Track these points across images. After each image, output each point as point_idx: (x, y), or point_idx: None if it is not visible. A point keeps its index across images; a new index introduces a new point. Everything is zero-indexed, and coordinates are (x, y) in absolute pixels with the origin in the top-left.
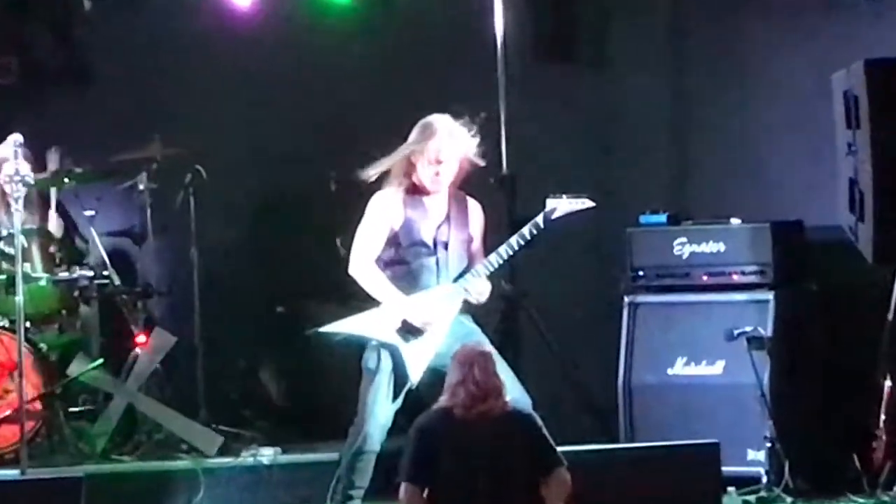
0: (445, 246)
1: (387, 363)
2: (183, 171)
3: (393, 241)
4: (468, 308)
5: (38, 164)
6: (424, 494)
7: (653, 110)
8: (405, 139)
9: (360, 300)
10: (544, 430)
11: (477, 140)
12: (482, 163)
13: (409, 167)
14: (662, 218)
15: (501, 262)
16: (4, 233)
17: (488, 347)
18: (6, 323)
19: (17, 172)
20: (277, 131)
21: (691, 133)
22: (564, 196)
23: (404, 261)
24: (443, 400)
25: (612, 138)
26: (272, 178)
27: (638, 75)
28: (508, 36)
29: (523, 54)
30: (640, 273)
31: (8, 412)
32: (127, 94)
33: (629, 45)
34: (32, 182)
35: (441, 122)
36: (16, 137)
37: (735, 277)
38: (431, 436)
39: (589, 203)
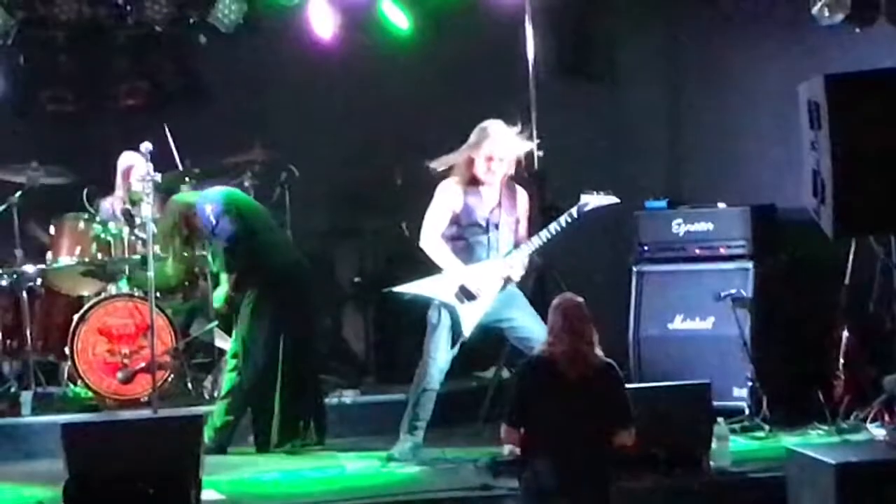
0: (496, 226)
1: (446, 319)
2: (279, 171)
3: (455, 221)
4: (509, 279)
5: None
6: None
7: (654, 116)
8: (463, 140)
9: (419, 271)
10: (625, 387)
11: (525, 141)
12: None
13: (469, 162)
14: (663, 203)
15: (541, 243)
16: (139, 221)
17: (580, 298)
18: (140, 293)
19: (148, 173)
20: (354, 137)
21: (685, 134)
22: (595, 192)
23: (463, 237)
24: (547, 344)
25: (623, 139)
26: (350, 175)
27: (642, 88)
28: (538, 57)
29: (550, 72)
30: (646, 248)
31: (143, 364)
32: (234, 110)
33: (634, 63)
34: (160, 181)
35: (495, 126)
36: (146, 145)
37: (722, 250)
38: (531, 383)
39: (615, 199)
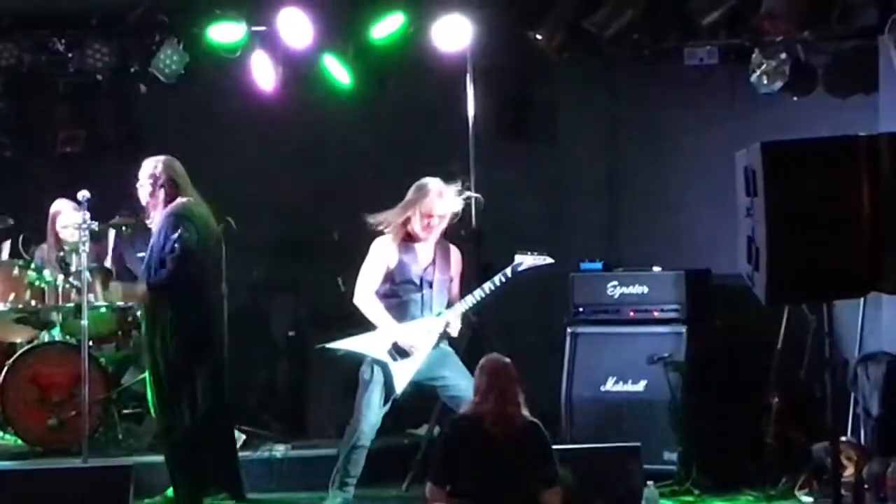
0: (430, 285)
1: (379, 376)
2: (216, 222)
3: (388, 278)
4: (444, 335)
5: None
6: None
7: (591, 179)
8: (401, 196)
9: (355, 326)
10: (551, 447)
11: (462, 199)
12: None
13: (406, 219)
14: (598, 265)
15: (475, 302)
16: (73, 269)
17: (507, 359)
18: (74, 341)
19: (84, 221)
20: (292, 190)
21: (622, 198)
22: (529, 253)
23: (397, 295)
24: (473, 404)
25: (559, 201)
26: (288, 228)
27: (580, 150)
28: (478, 118)
29: (489, 133)
30: (580, 309)
31: (73, 413)
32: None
33: (573, 127)
34: (96, 229)
35: (433, 183)
36: (84, 194)
37: (656, 314)
38: (458, 442)
39: (549, 259)
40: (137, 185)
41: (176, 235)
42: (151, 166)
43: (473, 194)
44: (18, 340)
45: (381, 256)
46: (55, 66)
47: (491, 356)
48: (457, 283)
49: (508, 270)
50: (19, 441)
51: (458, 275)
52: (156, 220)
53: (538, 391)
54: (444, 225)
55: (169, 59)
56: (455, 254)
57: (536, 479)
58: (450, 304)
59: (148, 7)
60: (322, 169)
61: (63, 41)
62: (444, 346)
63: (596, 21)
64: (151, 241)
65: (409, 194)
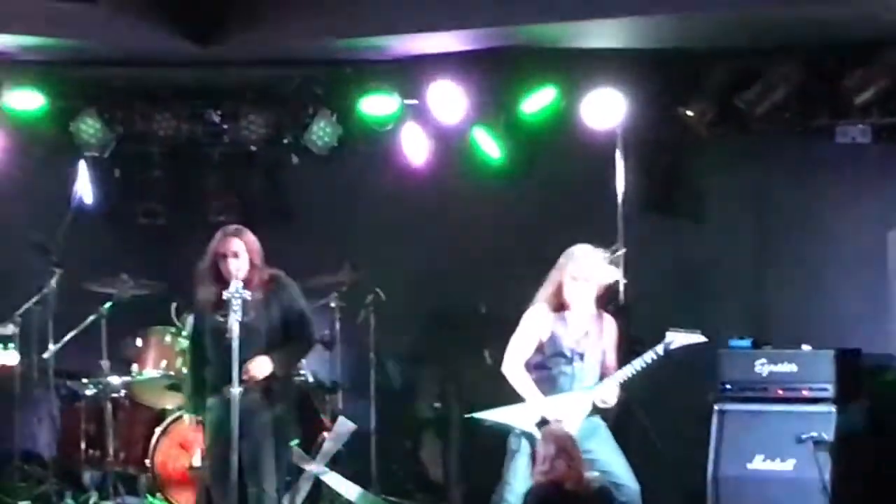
0: (582, 357)
1: (526, 447)
2: (365, 293)
3: (539, 349)
4: (596, 409)
5: None
6: None
7: (739, 256)
8: (549, 270)
9: (500, 400)
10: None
11: (613, 267)
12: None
13: (558, 288)
14: (747, 343)
15: (626, 378)
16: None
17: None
18: None
19: (236, 290)
20: (441, 262)
21: (771, 275)
22: (681, 330)
23: (547, 367)
24: (542, 473)
25: (708, 277)
26: (436, 300)
27: (728, 227)
28: (628, 193)
29: (639, 207)
30: (728, 386)
31: None
32: (323, 230)
33: (721, 203)
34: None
35: (580, 248)
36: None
37: (805, 393)
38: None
39: (702, 338)
40: (237, 257)
41: (306, 304)
42: (250, 240)
43: (618, 271)
44: (169, 407)
45: (533, 327)
46: (210, 136)
47: (553, 427)
48: (611, 353)
49: (660, 348)
50: None
51: (612, 344)
52: (256, 291)
53: (684, 467)
54: (596, 291)
55: (322, 132)
56: (609, 323)
57: None
58: (603, 376)
59: (302, 80)
60: (471, 242)
61: (219, 112)
62: (595, 419)
63: (748, 98)
64: (263, 312)
65: (558, 262)
